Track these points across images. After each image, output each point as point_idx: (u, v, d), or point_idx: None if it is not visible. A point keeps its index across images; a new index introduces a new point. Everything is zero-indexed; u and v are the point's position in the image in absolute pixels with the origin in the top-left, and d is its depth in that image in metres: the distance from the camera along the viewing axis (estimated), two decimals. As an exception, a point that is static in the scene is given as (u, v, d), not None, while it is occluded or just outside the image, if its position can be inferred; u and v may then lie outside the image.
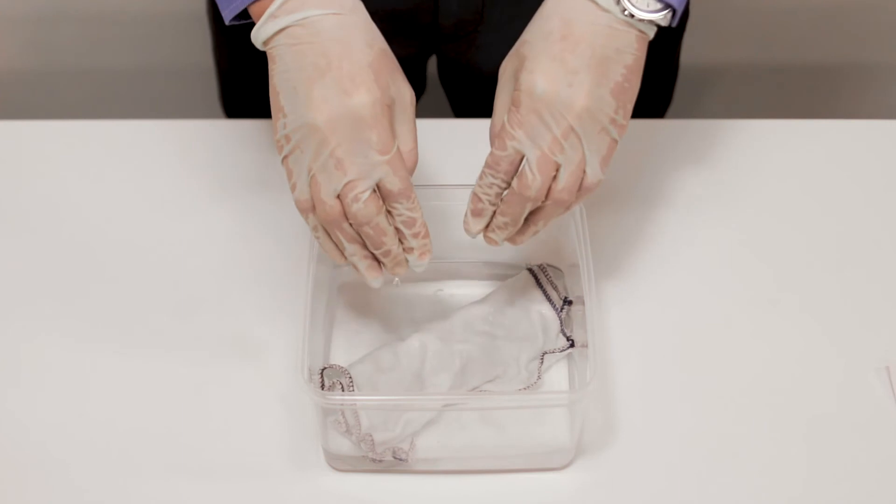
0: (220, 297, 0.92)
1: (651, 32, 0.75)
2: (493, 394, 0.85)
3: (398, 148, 0.76)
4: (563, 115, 0.74)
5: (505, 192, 0.79)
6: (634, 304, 0.92)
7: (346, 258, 0.80)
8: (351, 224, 0.77)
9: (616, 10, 0.74)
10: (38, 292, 0.92)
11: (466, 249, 0.91)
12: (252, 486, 0.82)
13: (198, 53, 1.48)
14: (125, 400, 0.86)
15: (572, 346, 0.87)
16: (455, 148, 1.01)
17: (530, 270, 0.91)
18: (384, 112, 0.74)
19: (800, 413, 0.85)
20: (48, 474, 0.82)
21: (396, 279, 0.82)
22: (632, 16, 0.74)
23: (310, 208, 0.77)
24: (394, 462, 0.81)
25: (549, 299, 0.89)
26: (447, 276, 0.93)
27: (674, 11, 0.75)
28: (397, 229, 0.78)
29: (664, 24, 0.75)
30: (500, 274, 0.92)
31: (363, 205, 0.75)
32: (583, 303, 0.82)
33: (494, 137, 0.78)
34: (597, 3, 0.74)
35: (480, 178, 0.78)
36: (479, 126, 1.02)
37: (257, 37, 0.76)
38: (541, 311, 0.89)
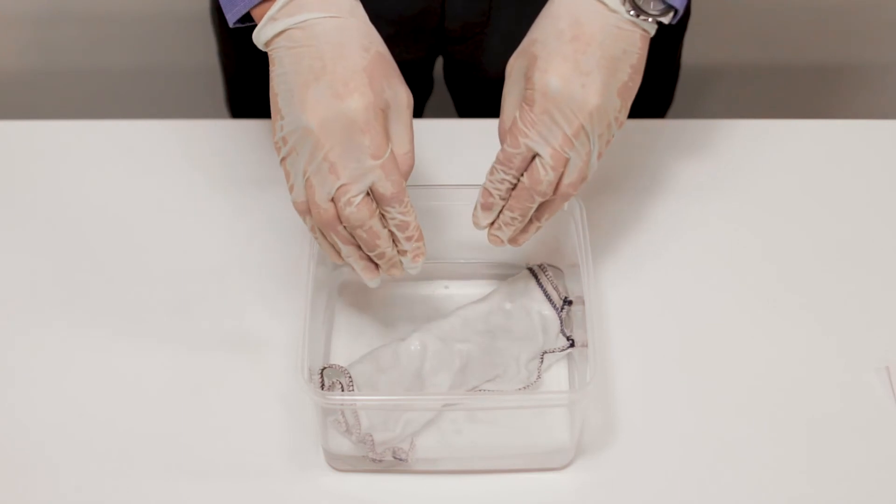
0: (220, 296, 0.92)
1: (653, 31, 0.77)
2: (493, 394, 0.85)
3: (392, 152, 0.76)
4: (575, 114, 0.75)
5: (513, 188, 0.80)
6: (634, 304, 0.92)
7: (343, 259, 0.80)
8: (345, 227, 0.77)
9: (622, 10, 0.75)
10: (37, 292, 0.92)
11: (467, 249, 0.91)
12: (252, 486, 0.82)
13: (200, 53, 1.48)
14: (125, 399, 0.86)
15: (572, 345, 0.87)
16: (458, 148, 1.01)
17: (530, 270, 0.91)
18: (377, 116, 0.75)
19: (800, 413, 0.85)
20: (47, 474, 0.82)
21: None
22: (638, 16, 0.75)
23: (307, 210, 0.78)
24: (394, 462, 0.81)
25: (549, 299, 0.89)
26: (447, 276, 0.93)
27: (676, 11, 0.77)
28: (391, 232, 0.78)
29: (666, 22, 0.77)
30: (500, 274, 0.92)
31: (356, 208, 0.76)
32: (583, 303, 0.82)
33: (505, 134, 0.79)
34: (605, 4, 0.75)
35: (491, 173, 0.79)
36: (483, 126, 1.02)
37: (258, 39, 0.77)
38: (541, 310, 0.89)
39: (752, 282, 0.93)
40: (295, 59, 0.75)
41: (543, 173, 0.77)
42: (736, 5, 1.67)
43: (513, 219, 0.80)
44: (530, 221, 0.82)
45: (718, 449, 0.83)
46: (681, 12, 0.77)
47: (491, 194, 0.80)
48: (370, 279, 0.81)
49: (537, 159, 0.77)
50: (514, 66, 0.79)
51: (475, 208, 0.81)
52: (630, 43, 0.76)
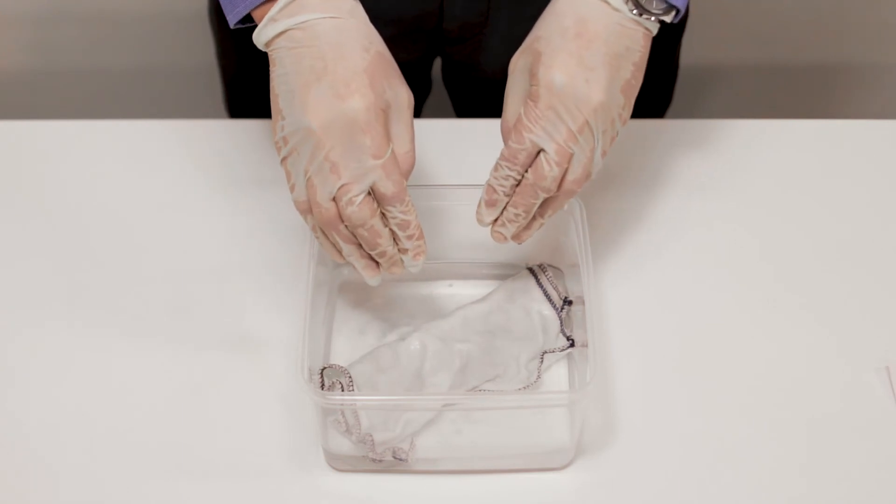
0: (220, 296, 0.92)
1: (655, 30, 0.78)
2: (493, 394, 0.85)
3: (392, 151, 0.76)
4: (579, 109, 0.76)
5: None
6: (634, 304, 0.92)
7: (344, 258, 0.81)
8: (346, 226, 0.78)
9: (625, 9, 0.76)
10: (37, 292, 0.92)
11: (467, 249, 0.91)
12: (252, 486, 0.82)
13: (199, 53, 1.48)
14: (124, 399, 0.86)
15: (572, 345, 0.87)
16: (458, 148, 1.01)
17: (530, 270, 0.91)
18: (378, 116, 0.75)
19: (800, 412, 0.85)
20: (47, 474, 0.82)
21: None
22: (640, 14, 0.76)
23: (308, 209, 0.78)
24: (394, 462, 0.81)
25: (549, 299, 0.89)
26: (447, 276, 0.93)
27: (677, 10, 0.78)
28: (392, 231, 0.79)
29: (668, 21, 0.78)
30: (500, 274, 0.92)
31: (357, 208, 0.76)
32: (583, 303, 0.82)
33: (509, 131, 0.79)
34: (608, 3, 0.76)
35: (495, 169, 0.80)
36: (483, 126, 1.02)
37: (259, 39, 0.77)
38: (541, 310, 0.89)
39: (752, 282, 0.93)
40: (296, 59, 0.75)
41: (548, 169, 0.77)
42: (736, 5, 1.67)
43: (516, 215, 0.81)
44: (533, 218, 0.82)
45: (718, 449, 0.83)
46: (682, 12, 0.78)
47: (495, 191, 0.80)
48: (371, 277, 0.82)
49: (542, 155, 0.78)
50: (518, 63, 0.79)
51: (479, 205, 0.82)
52: (633, 41, 0.77)
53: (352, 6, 0.77)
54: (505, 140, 0.80)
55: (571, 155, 0.77)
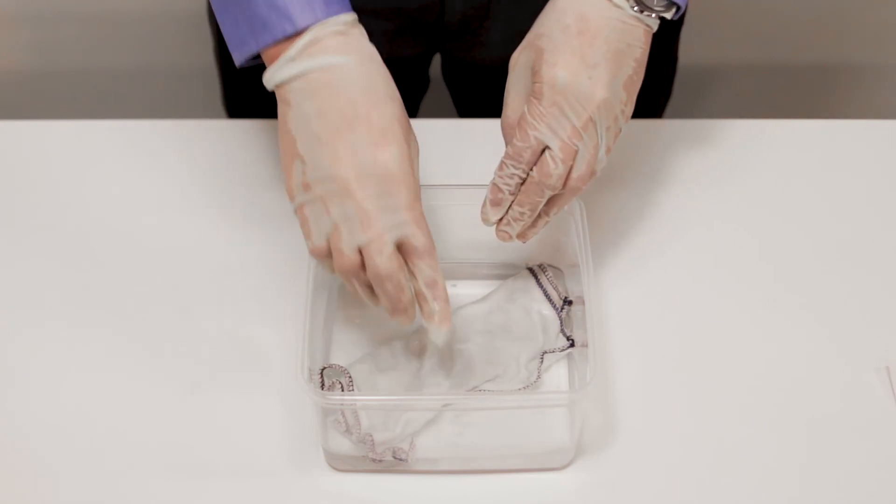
0: (220, 296, 0.92)
1: (655, 26, 0.78)
2: (493, 394, 0.85)
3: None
4: (583, 106, 0.76)
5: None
6: (634, 304, 0.92)
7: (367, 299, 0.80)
8: (369, 277, 0.77)
9: (626, 6, 0.77)
10: (37, 292, 0.92)
11: (467, 249, 0.91)
12: (252, 486, 0.82)
13: (198, 53, 1.48)
14: (125, 399, 0.86)
15: (572, 345, 0.87)
16: (457, 148, 1.01)
17: (530, 270, 0.91)
18: (411, 166, 0.75)
19: (800, 413, 0.85)
20: (48, 475, 0.82)
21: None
22: (641, 11, 0.77)
23: (326, 255, 0.77)
24: (394, 462, 0.81)
25: (549, 299, 0.89)
26: (448, 276, 0.92)
27: (678, 7, 0.78)
28: (418, 293, 0.77)
29: (668, 17, 0.78)
30: (501, 274, 0.92)
31: (386, 258, 0.74)
32: (583, 303, 0.82)
33: (512, 128, 0.79)
34: (609, 0, 0.77)
35: (500, 168, 0.79)
36: (483, 126, 1.03)
37: (271, 79, 0.75)
38: (541, 310, 0.89)
39: (751, 282, 0.93)
40: (320, 103, 0.74)
41: (553, 166, 0.77)
42: (736, 5, 1.67)
43: (522, 214, 0.80)
44: (539, 216, 0.82)
45: (718, 449, 0.83)
46: (683, 9, 0.79)
47: (500, 190, 0.80)
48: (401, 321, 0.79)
49: (547, 152, 0.78)
50: (519, 60, 0.80)
51: (484, 204, 0.81)
52: (634, 38, 0.77)
53: (371, 51, 0.76)
54: (505, 137, 0.80)
55: (576, 152, 0.77)
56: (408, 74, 1.13)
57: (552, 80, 0.76)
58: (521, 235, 0.83)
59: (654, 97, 1.19)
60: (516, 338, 0.87)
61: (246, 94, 1.17)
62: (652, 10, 0.77)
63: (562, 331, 0.88)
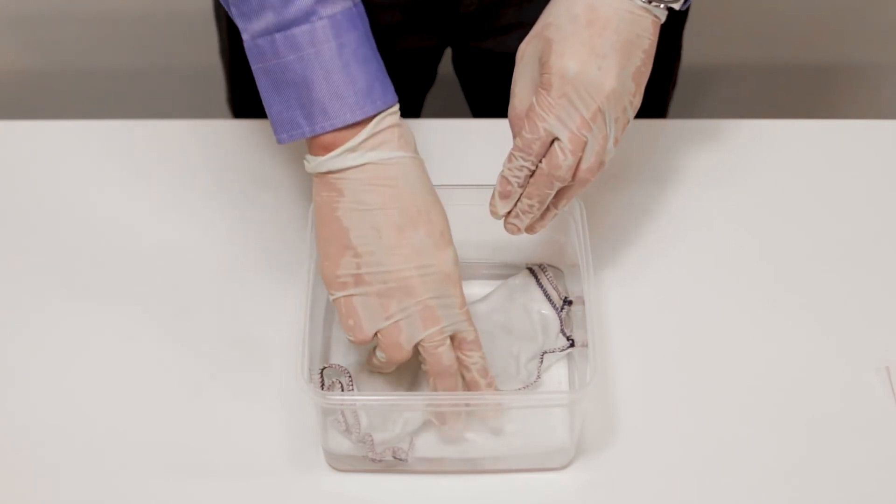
0: (220, 296, 0.92)
1: (663, 17, 0.78)
2: (493, 393, 0.85)
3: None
4: (592, 96, 0.76)
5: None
6: (634, 304, 0.92)
7: None
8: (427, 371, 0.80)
9: None
10: (36, 293, 0.92)
11: (468, 249, 0.91)
12: (252, 486, 0.82)
13: (200, 53, 1.48)
14: (125, 400, 0.86)
15: (572, 345, 0.87)
16: (457, 148, 1.01)
17: (530, 270, 0.91)
18: (459, 266, 0.78)
19: (800, 412, 0.85)
20: (48, 475, 0.82)
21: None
22: (650, 2, 0.77)
23: (368, 342, 0.79)
24: (394, 462, 0.81)
25: (549, 299, 0.89)
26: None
27: None
28: (470, 381, 0.81)
29: (677, 8, 0.78)
30: (501, 274, 0.92)
31: (448, 351, 0.78)
32: (583, 303, 0.82)
33: (520, 119, 0.79)
34: None
35: (509, 160, 0.79)
36: (486, 126, 1.03)
37: (321, 166, 0.76)
38: (541, 310, 0.89)
39: (751, 282, 0.93)
40: (382, 197, 0.76)
41: (562, 158, 0.77)
42: (737, 5, 1.67)
43: (530, 206, 0.80)
44: (547, 209, 0.82)
45: (718, 449, 0.83)
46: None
47: (509, 182, 0.80)
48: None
49: (556, 144, 0.77)
50: (526, 50, 0.79)
51: (492, 197, 0.81)
52: (642, 28, 0.77)
53: (415, 144, 0.78)
54: (513, 128, 0.80)
55: (585, 143, 0.77)
56: (418, 68, 1.13)
57: (561, 70, 0.76)
58: (530, 228, 0.83)
59: (662, 87, 1.18)
60: (516, 337, 0.87)
61: (252, 93, 1.17)
62: (660, 1, 0.77)
63: (562, 331, 0.88)
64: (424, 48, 1.08)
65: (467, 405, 0.84)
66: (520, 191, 0.80)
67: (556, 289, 0.89)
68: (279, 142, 0.78)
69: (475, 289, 0.91)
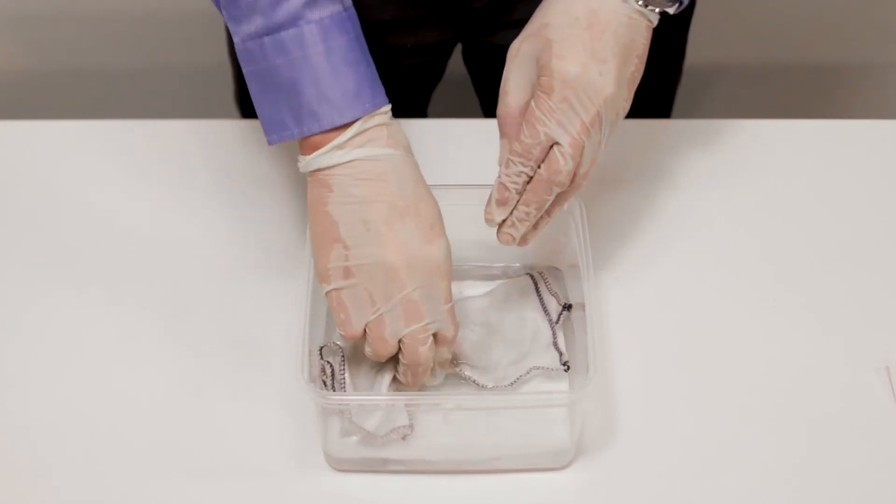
0: (220, 296, 0.92)
1: (655, 21, 0.78)
2: (493, 394, 0.85)
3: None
4: (592, 101, 0.76)
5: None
6: (634, 305, 0.92)
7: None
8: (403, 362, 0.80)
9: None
10: (36, 293, 0.92)
11: (467, 250, 0.91)
12: (252, 486, 0.82)
13: (201, 53, 1.49)
14: (125, 400, 0.86)
15: (567, 370, 0.86)
16: (457, 148, 1.01)
17: (531, 277, 0.90)
18: (451, 261, 0.77)
19: (800, 413, 0.85)
20: (48, 475, 0.82)
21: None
22: (646, 6, 0.76)
23: (359, 337, 0.79)
24: (395, 439, 0.81)
25: (545, 309, 0.89)
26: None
27: (680, 1, 0.78)
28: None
29: (671, 12, 0.78)
30: (501, 275, 0.92)
31: (427, 350, 0.78)
32: (583, 308, 0.82)
33: (511, 118, 0.79)
34: None
35: (506, 166, 0.79)
36: (483, 126, 1.02)
37: (311, 164, 0.77)
38: (535, 318, 0.88)
39: (751, 282, 0.93)
40: (369, 191, 0.75)
41: (563, 163, 0.77)
42: (737, 5, 1.67)
43: (527, 213, 0.80)
44: (541, 218, 0.81)
45: (718, 449, 0.83)
46: (685, 2, 0.78)
47: (507, 188, 0.79)
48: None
49: (555, 148, 0.77)
50: (521, 49, 0.79)
51: (488, 204, 0.80)
52: (638, 33, 0.77)
53: (407, 143, 0.78)
54: (503, 126, 0.80)
55: (584, 147, 0.77)
56: (428, 64, 1.12)
57: (563, 73, 0.75)
58: (523, 240, 0.82)
59: (668, 87, 1.18)
60: (503, 338, 0.87)
61: None
62: (656, 4, 0.77)
63: (554, 344, 0.87)
64: (436, 43, 1.08)
65: (467, 405, 0.85)
66: (517, 197, 0.79)
67: (554, 295, 0.89)
68: (269, 143, 0.79)
69: (476, 289, 0.91)
